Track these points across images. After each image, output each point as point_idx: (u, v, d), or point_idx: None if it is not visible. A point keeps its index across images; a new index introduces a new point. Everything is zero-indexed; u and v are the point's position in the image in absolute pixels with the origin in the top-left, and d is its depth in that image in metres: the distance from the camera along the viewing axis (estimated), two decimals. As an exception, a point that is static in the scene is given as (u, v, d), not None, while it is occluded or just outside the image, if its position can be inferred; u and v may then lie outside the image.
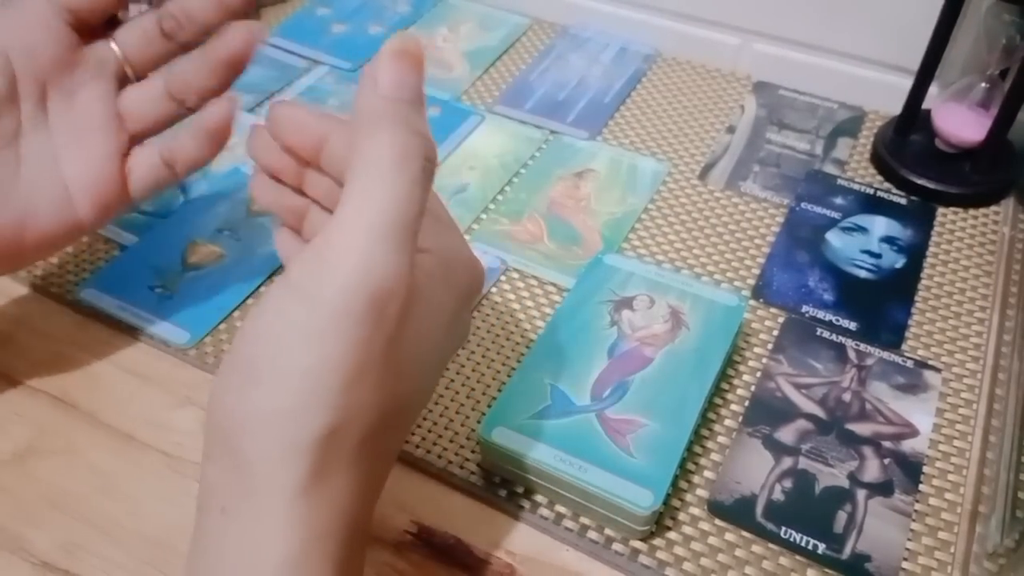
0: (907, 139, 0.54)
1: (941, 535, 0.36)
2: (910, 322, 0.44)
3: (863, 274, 0.47)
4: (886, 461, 0.38)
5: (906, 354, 0.43)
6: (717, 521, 0.36)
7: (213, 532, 0.24)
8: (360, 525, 0.26)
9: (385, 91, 0.25)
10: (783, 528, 0.35)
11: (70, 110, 0.37)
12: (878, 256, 0.48)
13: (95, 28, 0.38)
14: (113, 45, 0.38)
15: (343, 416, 0.23)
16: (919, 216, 0.50)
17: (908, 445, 0.38)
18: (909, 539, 0.35)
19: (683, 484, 0.37)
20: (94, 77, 0.37)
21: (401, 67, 0.25)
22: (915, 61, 0.51)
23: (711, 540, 0.35)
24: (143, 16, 0.38)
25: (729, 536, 0.36)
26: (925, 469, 0.38)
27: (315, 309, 0.23)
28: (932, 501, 0.37)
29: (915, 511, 0.36)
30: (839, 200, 0.51)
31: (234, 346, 0.25)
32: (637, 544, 0.35)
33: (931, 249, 0.49)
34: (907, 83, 0.52)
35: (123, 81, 0.39)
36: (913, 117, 0.53)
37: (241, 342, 0.24)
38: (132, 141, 0.39)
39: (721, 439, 0.39)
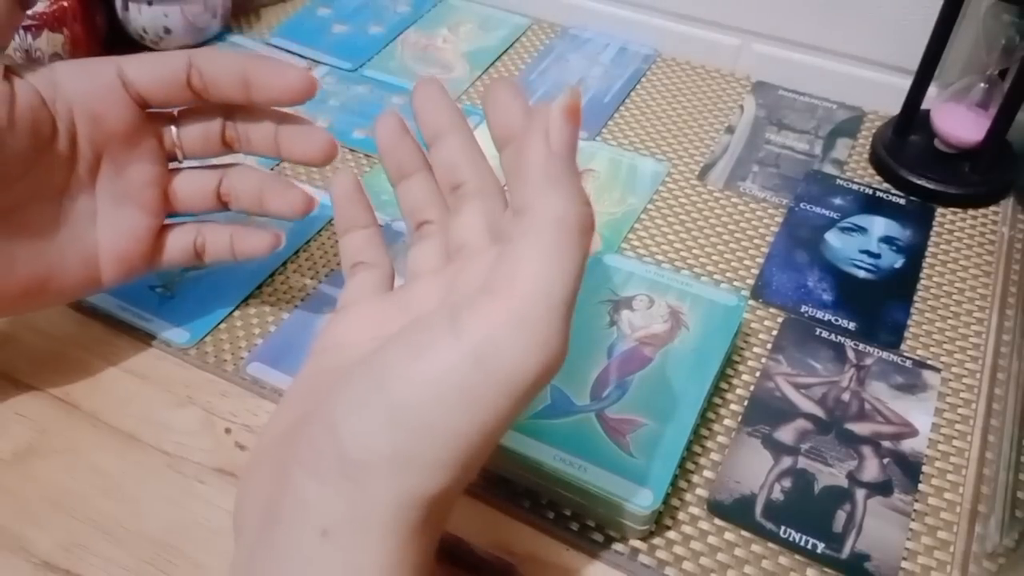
0: (906, 139, 0.54)
1: (940, 535, 0.36)
2: (909, 322, 0.44)
3: (862, 274, 0.47)
4: (885, 461, 0.38)
5: (905, 354, 0.43)
6: (716, 520, 0.36)
7: (308, 552, 0.23)
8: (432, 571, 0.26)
9: (558, 151, 0.24)
10: (782, 527, 0.35)
11: (118, 181, 0.38)
12: (877, 256, 0.48)
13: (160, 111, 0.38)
14: (173, 129, 0.39)
15: (458, 480, 0.23)
16: (918, 216, 0.50)
17: (907, 445, 0.38)
18: (908, 539, 0.35)
19: (683, 484, 0.37)
20: (148, 156, 0.38)
21: (571, 128, 0.24)
22: (914, 61, 0.51)
23: (710, 539, 0.35)
24: (210, 118, 0.39)
25: (728, 535, 0.36)
26: (924, 469, 0.38)
27: (488, 379, 0.22)
28: (931, 501, 0.37)
29: (914, 511, 0.36)
30: (838, 200, 0.51)
31: (375, 374, 0.23)
32: (637, 543, 0.35)
33: (930, 249, 0.49)
34: (906, 83, 0.52)
35: (172, 158, 0.39)
36: (912, 117, 0.53)
37: (391, 378, 0.23)
38: (169, 214, 0.40)
39: (720, 439, 0.39)
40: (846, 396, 0.40)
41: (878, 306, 0.45)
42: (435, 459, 0.22)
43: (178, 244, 0.40)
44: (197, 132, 0.39)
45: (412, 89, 0.35)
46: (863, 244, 0.49)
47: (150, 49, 0.62)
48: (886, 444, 0.38)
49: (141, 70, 0.36)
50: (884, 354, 0.42)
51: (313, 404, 0.26)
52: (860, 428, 0.39)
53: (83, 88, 0.36)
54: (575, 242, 0.23)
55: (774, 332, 0.44)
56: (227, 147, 0.39)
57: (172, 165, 0.40)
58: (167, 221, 0.40)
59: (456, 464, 0.23)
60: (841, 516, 0.36)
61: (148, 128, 0.38)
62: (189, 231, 0.40)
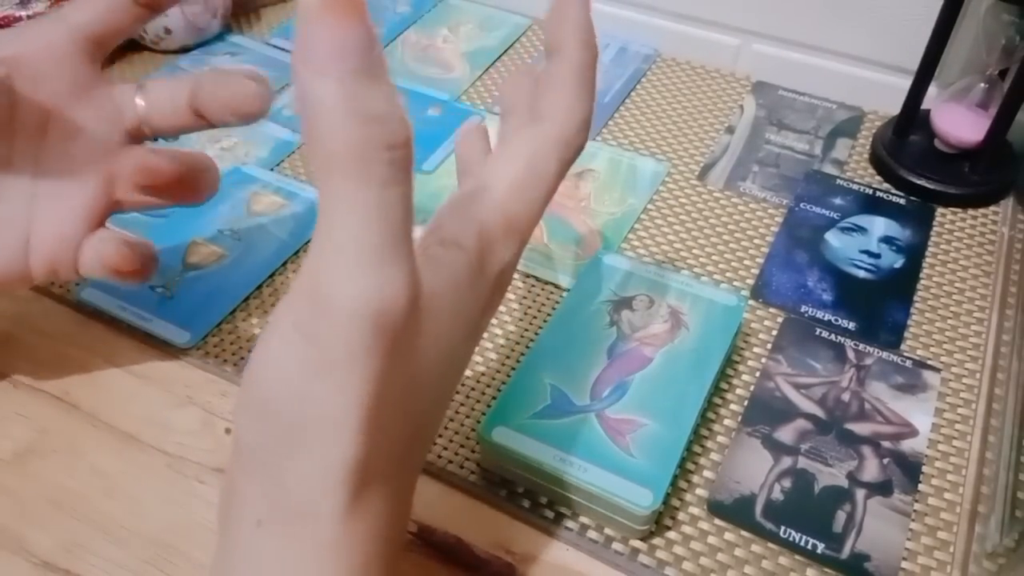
0: (906, 139, 0.54)
1: (940, 535, 0.36)
2: (909, 322, 0.44)
3: (862, 274, 0.47)
4: (885, 461, 0.38)
5: (905, 354, 0.43)
6: (716, 521, 0.36)
7: (248, 544, 0.23)
8: (398, 546, 0.26)
9: (319, 66, 0.18)
10: (782, 528, 0.35)
11: (65, 152, 0.34)
12: (877, 256, 0.48)
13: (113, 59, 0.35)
14: (139, 100, 0.35)
15: (370, 445, 0.23)
16: (918, 216, 0.50)
17: (907, 445, 0.38)
18: (908, 539, 0.35)
19: (683, 484, 0.37)
20: (101, 126, 0.35)
21: (334, 23, 0.18)
22: (914, 61, 0.51)
23: (711, 540, 0.35)
24: (177, 82, 0.35)
25: (728, 536, 0.36)
26: (924, 469, 0.38)
27: (323, 352, 0.21)
28: (931, 501, 0.37)
29: (914, 511, 0.36)
30: (838, 200, 0.51)
31: (248, 379, 0.23)
32: (637, 544, 0.35)
33: (930, 249, 0.49)
34: (906, 83, 0.52)
35: (135, 135, 0.36)
36: (912, 117, 0.53)
37: (254, 380, 0.23)
38: (109, 209, 0.36)
39: (720, 439, 0.39)
40: (846, 396, 0.40)
41: (878, 306, 0.45)
42: (324, 438, 0.22)
43: (95, 249, 0.36)
44: (163, 97, 0.36)
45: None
46: (863, 244, 0.49)
47: (150, 49, 0.62)
48: (886, 444, 0.38)
49: (85, 9, 0.34)
50: (884, 354, 0.42)
51: None
52: (860, 428, 0.39)
53: (23, 46, 0.33)
54: (357, 177, 0.20)
55: (774, 332, 0.44)
56: (199, 118, 0.35)
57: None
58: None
59: (350, 437, 0.22)
60: (841, 516, 0.36)
61: (105, 92, 0.35)
62: (111, 238, 0.36)
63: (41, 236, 0.35)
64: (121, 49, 0.61)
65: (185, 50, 0.63)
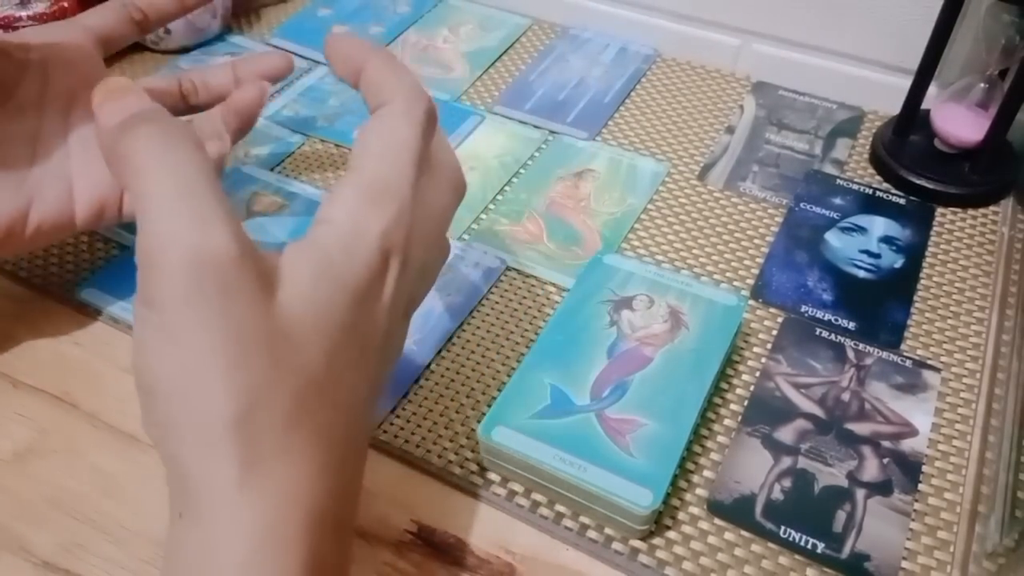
0: (906, 139, 0.54)
1: (940, 535, 0.36)
2: (909, 322, 0.44)
3: (862, 274, 0.47)
4: (885, 461, 0.38)
5: (905, 354, 0.43)
6: (716, 520, 0.36)
7: (176, 539, 0.24)
8: (326, 514, 0.25)
9: (104, 124, 0.27)
10: (782, 527, 0.35)
11: (89, 126, 0.41)
12: (877, 256, 0.48)
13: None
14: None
15: (245, 399, 0.23)
16: (918, 216, 0.50)
17: (907, 445, 0.38)
18: (908, 538, 0.35)
19: (682, 483, 0.37)
20: None
21: (110, 102, 0.28)
22: (914, 61, 0.51)
23: (710, 539, 0.35)
24: (166, 75, 0.45)
25: (728, 535, 0.36)
26: (924, 469, 0.38)
27: (161, 308, 0.23)
28: (931, 501, 0.37)
29: (914, 511, 0.36)
30: (838, 200, 0.51)
31: (135, 377, 0.25)
32: (637, 543, 0.35)
33: (930, 249, 0.49)
34: (906, 83, 0.52)
35: None
36: (912, 117, 0.53)
37: (135, 373, 0.25)
38: None
39: (720, 439, 0.39)
40: (846, 396, 0.40)
41: (878, 306, 0.45)
42: (189, 403, 0.23)
43: None
44: (155, 84, 0.44)
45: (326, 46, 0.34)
46: (863, 244, 0.49)
47: (150, 50, 0.62)
48: (886, 444, 0.38)
49: (96, 16, 0.43)
50: (884, 354, 0.42)
51: None
52: (860, 428, 0.39)
53: (57, 40, 0.41)
54: (125, 137, 0.25)
55: (774, 332, 0.44)
56: (184, 99, 0.45)
57: None
58: None
59: (216, 390, 0.23)
60: (841, 516, 0.36)
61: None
62: None
63: (81, 187, 0.41)
64: (122, 50, 0.61)
65: (185, 50, 0.63)
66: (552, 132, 0.56)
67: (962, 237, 0.50)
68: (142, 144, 0.25)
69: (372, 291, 0.27)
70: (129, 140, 0.25)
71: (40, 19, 0.55)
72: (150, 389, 0.24)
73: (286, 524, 0.24)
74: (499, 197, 0.51)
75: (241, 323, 0.23)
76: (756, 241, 0.49)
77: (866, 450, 0.38)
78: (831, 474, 0.37)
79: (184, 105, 0.45)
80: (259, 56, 0.47)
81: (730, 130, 0.57)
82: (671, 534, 0.36)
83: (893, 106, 0.54)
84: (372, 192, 0.28)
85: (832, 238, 0.49)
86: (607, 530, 0.36)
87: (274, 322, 0.24)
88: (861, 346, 0.43)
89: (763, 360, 0.42)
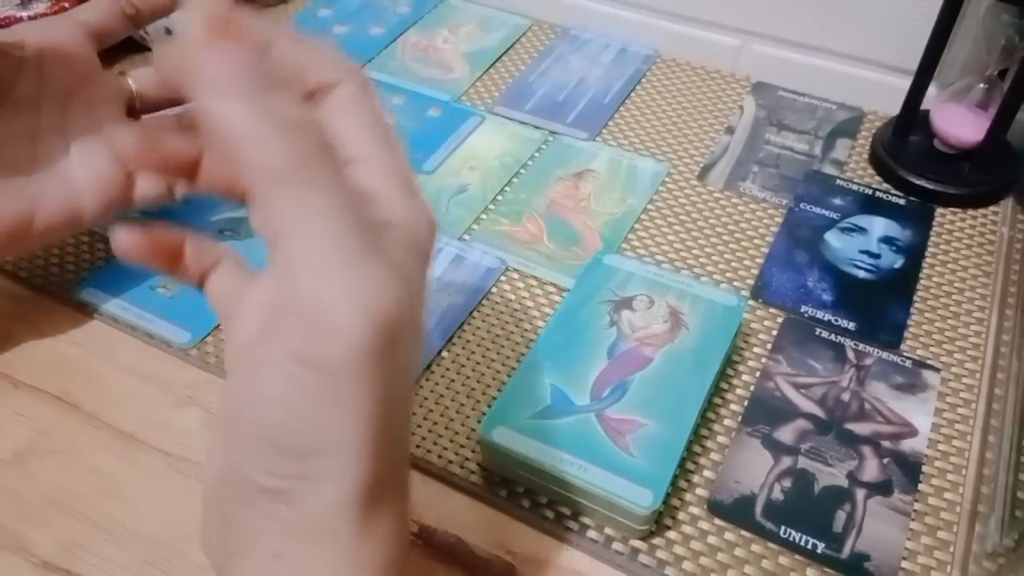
0: (906, 140, 0.54)
1: (940, 535, 0.36)
2: (909, 322, 0.44)
3: (862, 274, 0.47)
4: (885, 461, 0.38)
5: (905, 354, 0.43)
6: (717, 520, 0.36)
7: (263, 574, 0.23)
8: (406, 555, 0.25)
9: (223, 90, 0.19)
10: (782, 527, 0.35)
11: (88, 119, 0.41)
12: (877, 256, 0.48)
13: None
14: (130, 80, 0.43)
15: (379, 464, 0.22)
16: (918, 216, 0.50)
17: (907, 445, 0.38)
18: (908, 538, 0.35)
19: (683, 484, 0.37)
20: (112, 99, 0.42)
21: (223, 48, 0.19)
22: (914, 62, 0.51)
23: (711, 539, 0.35)
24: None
25: (729, 535, 0.36)
26: (924, 469, 0.38)
27: (330, 375, 0.20)
28: (931, 501, 0.37)
29: (914, 511, 0.36)
30: (838, 200, 0.51)
31: (246, 418, 0.22)
32: (637, 543, 0.35)
33: (930, 249, 0.49)
34: (906, 84, 0.52)
35: (132, 111, 0.43)
36: (912, 118, 0.53)
37: (255, 419, 0.22)
38: None
39: (720, 439, 0.39)
40: (846, 396, 0.40)
41: (878, 306, 0.45)
42: (340, 463, 0.21)
43: (150, 180, 0.42)
44: (149, 76, 0.44)
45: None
46: (863, 244, 0.49)
47: (150, 50, 0.62)
48: (886, 444, 0.38)
49: (89, 12, 0.43)
50: (884, 354, 0.42)
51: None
52: (860, 428, 0.39)
53: (51, 36, 0.41)
54: (302, 184, 0.19)
55: (774, 332, 0.44)
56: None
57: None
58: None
59: (363, 458, 0.21)
60: (841, 516, 0.36)
61: (107, 76, 0.42)
62: None
63: (85, 183, 0.41)
64: (121, 49, 0.61)
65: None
66: (552, 132, 0.56)
67: (962, 237, 0.50)
68: (288, 195, 0.20)
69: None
70: (274, 192, 0.20)
71: (40, 19, 0.55)
72: (280, 444, 0.21)
73: (389, 566, 0.23)
74: (499, 197, 0.51)
75: (394, 389, 0.22)
76: (756, 241, 0.49)
77: (866, 450, 0.38)
78: (831, 474, 0.37)
79: (180, 97, 0.42)
80: None
81: (730, 130, 0.57)
82: (671, 534, 0.36)
83: (893, 106, 0.54)
84: (408, 185, 0.25)
85: (832, 238, 0.49)
86: (607, 530, 0.36)
87: (404, 376, 0.23)
88: (861, 346, 0.43)
89: (763, 360, 0.42)
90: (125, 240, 0.27)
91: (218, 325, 0.44)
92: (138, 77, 0.44)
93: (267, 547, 0.23)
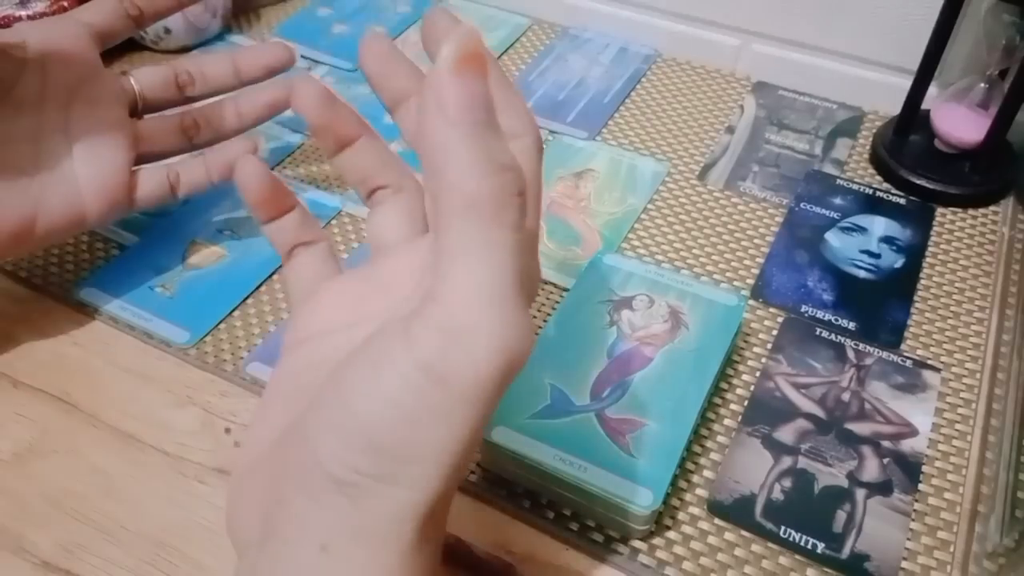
0: (906, 139, 0.54)
1: (940, 535, 0.36)
2: (909, 322, 0.44)
3: (862, 274, 0.47)
4: (885, 461, 0.38)
5: (905, 354, 0.43)
6: (716, 520, 0.36)
7: (311, 569, 0.23)
8: None
9: (455, 117, 0.20)
10: (782, 527, 0.35)
11: (90, 119, 0.41)
12: (877, 256, 0.48)
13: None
14: (132, 80, 0.43)
15: (448, 487, 0.23)
16: (918, 216, 0.50)
17: (907, 445, 0.38)
18: (908, 539, 0.35)
19: (683, 484, 0.37)
20: (114, 99, 0.42)
21: (467, 80, 0.20)
22: (914, 61, 0.51)
23: (710, 539, 0.35)
24: (164, 64, 0.45)
25: (728, 535, 0.36)
26: (924, 469, 0.38)
27: (445, 390, 0.21)
28: (931, 501, 0.37)
29: (914, 511, 0.36)
30: (838, 200, 0.51)
31: (351, 409, 0.22)
32: (637, 543, 0.35)
33: (930, 249, 0.49)
34: (906, 83, 0.52)
35: (134, 112, 0.44)
36: (912, 117, 0.53)
37: (361, 412, 0.22)
38: (140, 160, 0.43)
39: (720, 439, 0.39)
40: (846, 396, 0.40)
41: (878, 306, 0.45)
42: (421, 474, 0.22)
43: (153, 178, 0.43)
44: (152, 76, 0.44)
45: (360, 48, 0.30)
46: (863, 244, 0.49)
47: (150, 49, 0.62)
48: (886, 444, 0.38)
49: (91, 11, 0.42)
50: (884, 354, 0.42)
51: (298, 411, 0.25)
52: (860, 428, 0.39)
53: (54, 36, 0.40)
54: (493, 220, 0.20)
55: (774, 332, 0.44)
56: (180, 88, 0.45)
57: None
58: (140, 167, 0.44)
59: (442, 474, 0.22)
60: (841, 516, 0.36)
61: (109, 76, 0.42)
62: (161, 168, 0.44)
63: (88, 184, 0.41)
64: (121, 49, 0.61)
65: (185, 50, 0.63)
66: (552, 132, 0.56)
67: (962, 237, 0.50)
68: (480, 200, 0.21)
69: None
70: (462, 218, 0.21)
71: (40, 19, 0.55)
72: (375, 442, 0.22)
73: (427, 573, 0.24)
74: (499, 197, 0.51)
75: (481, 427, 0.22)
76: (756, 241, 0.49)
77: (866, 450, 0.38)
78: (831, 474, 0.37)
79: (180, 97, 0.45)
80: (260, 47, 0.46)
81: (730, 130, 0.57)
82: (671, 534, 0.36)
83: (893, 106, 0.54)
84: (536, 246, 0.28)
85: (832, 238, 0.49)
86: (607, 530, 0.36)
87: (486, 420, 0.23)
88: (861, 346, 0.43)
89: (763, 360, 0.42)
90: (251, 171, 0.30)
91: (217, 325, 0.44)
92: (140, 77, 0.44)
93: (315, 537, 0.23)
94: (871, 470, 0.37)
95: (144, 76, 0.44)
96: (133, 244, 0.48)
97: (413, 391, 0.21)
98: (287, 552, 0.23)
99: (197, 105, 0.46)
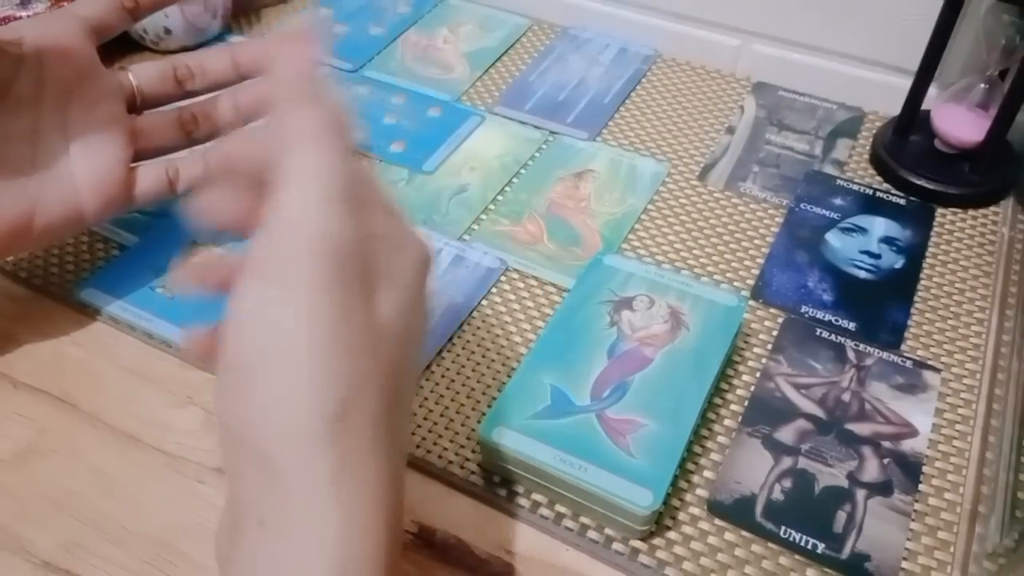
0: (906, 140, 0.54)
1: (940, 535, 0.36)
2: (909, 322, 0.44)
3: (862, 274, 0.47)
4: (885, 461, 0.38)
5: (905, 354, 0.43)
6: (717, 521, 0.36)
7: (255, 548, 0.23)
8: (398, 520, 0.25)
9: (295, 72, 0.27)
10: (783, 528, 0.35)
11: (88, 117, 0.41)
12: (877, 256, 0.48)
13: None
14: (130, 75, 0.43)
15: (347, 389, 0.23)
16: (918, 217, 0.50)
17: (907, 445, 0.38)
18: (908, 539, 0.35)
19: (683, 484, 0.37)
20: (112, 96, 0.42)
21: (301, 49, 0.27)
22: (914, 62, 0.51)
23: (711, 540, 0.35)
24: (162, 60, 0.44)
25: (729, 536, 0.36)
26: (924, 469, 0.38)
27: (286, 286, 0.23)
28: (931, 501, 0.37)
29: (914, 511, 0.36)
30: (838, 201, 0.51)
31: (223, 350, 0.24)
32: (637, 544, 0.35)
33: (930, 250, 0.49)
34: (906, 84, 0.52)
35: (132, 107, 0.43)
36: (912, 118, 0.53)
37: (229, 343, 0.24)
38: (139, 156, 0.43)
39: (721, 439, 0.39)
40: (846, 396, 0.40)
41: (878, 306, 0.45)
42: (296, 385, 0.23)
43: (151, 175, 0.43)
44: (151, 71, 0.44)
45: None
46: (863, 244, 0.49)
47: (150, 50, 0.62)
48: (886, 444, 0.38)
49: (87, 6, 0.42)
50: (884, 354, 0.42)
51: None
52: (860, 428, 0.39)
53: (50, 32, 0.40)
54: (337, 141, 0.26)
55: (774, 332, 0.44)
56: (179, 83, 0.44)
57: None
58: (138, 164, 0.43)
59: (324, 375, 0.23)
60: (841, 516, 0.36)
61: (107, 72, 0.42)
62: (159, 164, 0.44)
63: (86, 182, 0.41)
64: (121, 49, 0.61)
65: (185, 50, 0.63)
66: (552, 132, 0.56)
67: (962, 237, 0.50)
68: (304, 126, 0.25)
69: (426, 296, 0.29)
70: (295, 118, 0.26)
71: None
72: (249, 369, 0.23)
73: (375, 527, 0.23)
74: (499, 197, 0.51)
75: (353, 314, 0.24)
76: (756, 241, 0.49)
77: (866, 450, 0.38)
78: (831, 474, 0.37)
79: (180, 91, 0.44)
80: (259, 41, 0.46)
81: (730, 130, 0.57)
82: (671, 534, 0.36)
83: (893, 106, 0.54)
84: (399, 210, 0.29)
85: (832, 238, 0.49)
86: (607, 530, 0.36)
87: (376, 320, 0.25)
88: (861, 346, 0.43)
89: (763, 360, 0.42)
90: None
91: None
92: (138, 72, 0.43)
93: (254, 516, 0.23)
94: (871, 470, 0.37)
95: (142, 71, 0.43)
96: (133, 244, 0.48)
97: (255, 298, 0.24)
98: (240, 541, 0.24)
99: (196, 100, 0.45)
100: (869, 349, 0.43)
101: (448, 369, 0.42)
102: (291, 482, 0.22)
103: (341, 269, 0.24)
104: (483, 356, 0.42)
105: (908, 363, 0.42)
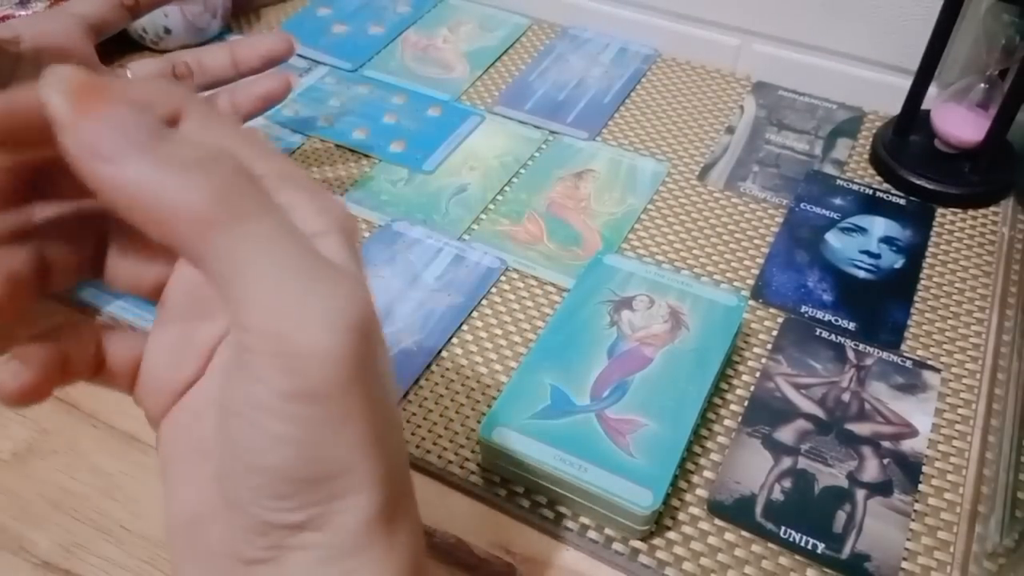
0: (906, 139, 0.54)
1: (940, 535, 0.36)
2: (909, 322, 0.44)
3: (862, 274, 0.47)
4: (885, 461, 0.38)
5: (905, 354, 0.43)
6: (717, 521, 0.36)
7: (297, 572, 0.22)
8: (425, 568, 0.25)
9: (115, 156, 0.17)
10: (782, 528, 0.35)
11: None
12: (877, 256, 0.48)
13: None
14: (129, 74, 0.43)
15: (390, 467, 0.22)
16: (918, 216, 0.50)
17: (907, 445, 0.38)
18: (908, 539, 0.35)
19: (683, 484, 0.37)
20: None
21: (98, 115, 0.17)
22: (914, 61, 0.51)
23: (711, 540, 0.35)
24: (161, 58, 0.44)
25: (729, 536, 0.36)
26: (924, 469, 0.38)
27: (325, 394, 0.19)
28: (931, 501, 0.37)
29: (914, 511, 0.36)
30: (838, 200, 0.51)
31: (241, 461, 0.21)
32: (637, 544, 0.35)
33: (930, 249, 0.49)
34: (906, 83, 0.52)
35: None
36: (912, 117, 0.53)
37: (265, 466, 0.20)
38: None
39: (720, 439, 0.39)
40: (846, 396, 0.40)
41: (878, 306, 0.45)
42: (356, 479, 0.21)
43: None
44: (148, 69, 0.43)
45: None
46: (863, 244, 0.49)
47: (150, 49, 0.62)
48: (886, 444, 0.38)
49: (85, 4, 0.42)
50: (884, 354, 0.42)
51: (206, 461, 0.23)
52: (860, 428, 0.39)
53: (47, 31, 0.40)
54: (234, 219, 0.18)
55: (774, 332, 0.44)
56: (179, 81, 0.44)
57: None
58: None
59: (374, 463, 0.21)
60: (841, 516, 0.36)
61: (101, 69, 0.42)
62: None
63: None
64: (121, 49, 0.61)
65: (185, 49, 0.62)
66: (552, 132, 0.56)
67: (962, 237, 0.50)
68: (222, 237, 0.18)
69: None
70: (206, 240, 0.18)
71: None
72: (292, 480, 0.20)
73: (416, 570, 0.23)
74: (499, 197, 0.51)
75: (380, 396, 0.21)
76: (756, 241, 0.49)
77: (866, 450, 0.38)
78: (831, 474, 0.37)
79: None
80: (258, 38, 0.46)
81: (730, 130, 0.57)
82: (671, 534, 0.36)
83: (893, 106, 0.54)
84: (313, 186, 0.22)
85: (832, 238, 0.49)
86: (607, 530, 0.36)
87: (383, 381, 0.22)
88: (861, 346, 0.43)
89: (763, 360, 0.42)
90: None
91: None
92: (136, 70, 0.43)
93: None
94: (871, 470, 0.37)
95: (140, 69, 0.43)
96: (133, 244, 0.48)
97: (294, 420, 0.19)
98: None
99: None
100: (869, 349, 0.43)
101: (448, 369, 0.42)
102: (352, 554, 0.22)
103: (366, 332, 0.20)
104: (483, 356, 0.42)
105: (908, 363, 0.42)
